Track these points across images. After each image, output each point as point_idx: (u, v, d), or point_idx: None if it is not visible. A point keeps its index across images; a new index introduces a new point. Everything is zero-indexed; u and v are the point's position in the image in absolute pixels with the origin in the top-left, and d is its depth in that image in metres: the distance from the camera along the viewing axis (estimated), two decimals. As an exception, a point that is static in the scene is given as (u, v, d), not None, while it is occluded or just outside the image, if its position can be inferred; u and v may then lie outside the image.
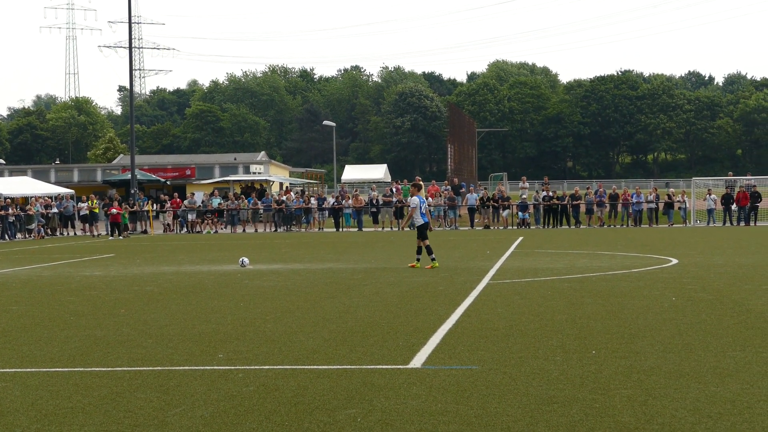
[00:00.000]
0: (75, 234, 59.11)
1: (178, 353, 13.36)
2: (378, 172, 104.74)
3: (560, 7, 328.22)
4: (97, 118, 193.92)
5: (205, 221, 59.40)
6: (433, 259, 27.08)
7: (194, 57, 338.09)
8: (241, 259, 29.37)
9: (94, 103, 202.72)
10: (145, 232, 58.50)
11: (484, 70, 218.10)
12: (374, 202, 58.62)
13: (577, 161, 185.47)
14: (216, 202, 60.48)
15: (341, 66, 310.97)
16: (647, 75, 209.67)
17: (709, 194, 56.82)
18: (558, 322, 15.67)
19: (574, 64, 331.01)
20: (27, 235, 56.09)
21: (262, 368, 12.13)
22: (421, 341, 13.87)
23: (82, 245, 46.02)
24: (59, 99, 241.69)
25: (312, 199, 61.58)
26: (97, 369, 12.35)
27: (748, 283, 21.39)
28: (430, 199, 56.16)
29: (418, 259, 27.36)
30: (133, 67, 70.23)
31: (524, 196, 58.35)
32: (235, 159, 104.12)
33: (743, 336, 13.95)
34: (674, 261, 28.18)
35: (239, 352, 13.38)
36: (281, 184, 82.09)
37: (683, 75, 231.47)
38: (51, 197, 61.96)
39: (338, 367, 12.13)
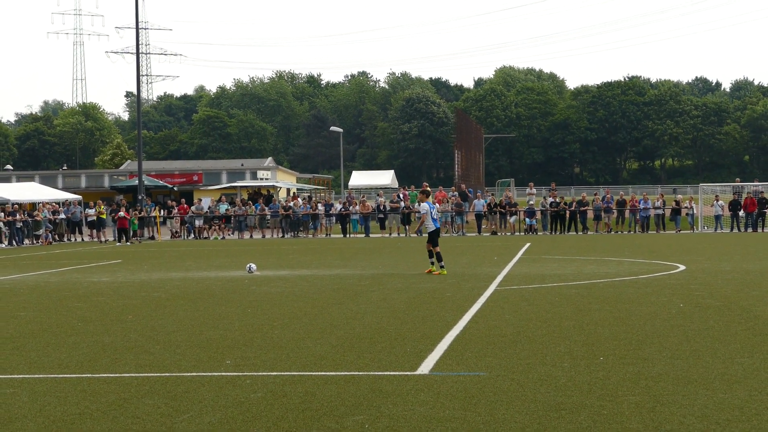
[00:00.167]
0: (82, 240, 59.14)
1: (185, 359, 13.37)
2: (385, 178, 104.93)
3: (567, 13, 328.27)
4: (105, 124, 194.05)
5: (213, 227, 59.41)
6: (442, 267, 27.06)
7: (201, 63, 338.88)
8: (248, 265, 29.38)
9: (101, 109, 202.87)
10: (152, 238, 58.54)
11: (491, 76, 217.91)
12: (381, 208, 58.61)
13: (585, 167, 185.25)
14: (223, 208, 60.48)
15: (348, 72, 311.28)
16: (654, 81, 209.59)
17: (717, 200, 56.76)
18: (565, 328, 15.66)
19: (581, 69, 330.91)
20: (34, 241, 56.13)
21: (269, 374, 12.14)
22: (429, 347, 13.86)
23: (89, 251, 46.06)
24: (66, 105, 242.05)
25: (319, 205, 61.56)
26: (105, 375, 12.36)
27: (755, 290, 21.37)
28: (437, 205, 56.08)
29: (432, 263, 27.29)
30: (141, 73, 70.30)
31: (531, 202, 58.33)
32: (242, 165, 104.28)
33: (751, 342, 13.94)
34: (682, 267, 28.15)
35: (247, 358, 13.39)
36: (288, 190, 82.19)
37: (690, 81, 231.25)
38: (58, 203, 62.03)
39: (346, 373, 12.13)
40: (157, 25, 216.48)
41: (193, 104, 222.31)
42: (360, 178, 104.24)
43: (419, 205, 28.59)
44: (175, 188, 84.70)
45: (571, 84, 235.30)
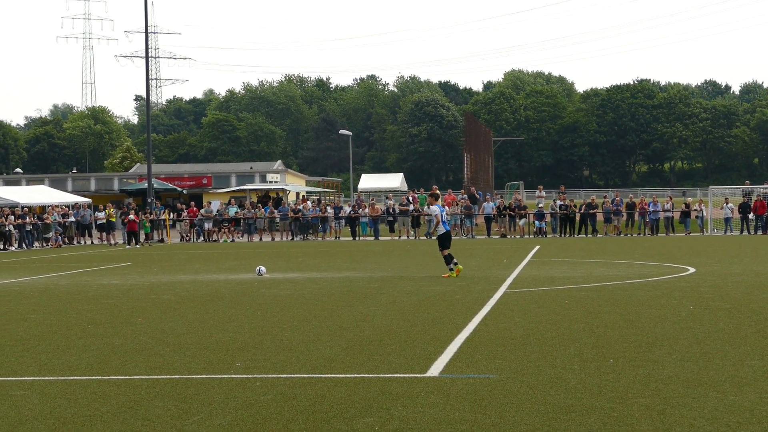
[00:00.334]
0: (92, 243, 59.20)
1: (195, 362, 13.38)
2: (394, 181, 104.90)
3: (576, 17, 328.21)
4: (114, 128, 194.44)
5: (222, 230, 59.43)
6: (450, 270, 27.01)
7: (210, 66, 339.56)
8: (257, 268, 29.39)
9: (110, 113, 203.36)
10: (162, 240, 58.58)
11: (500, 80, 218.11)
12: (391, 211, 58.58)
13: (594, 170, 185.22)
14: (233, 210, 60.49)
15: (357, 75, 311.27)
16: (663, 84, 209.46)
17: (726, 203, 56.63)
18: (575, 330, 15.65)
19: (591, 73, 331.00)
20: (44, 244, 56.20)
21: (279, 377, 12.14)
22: (439, 350, 13.86)
23: (99, 254, 46.12)
24: (76, 108, 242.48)
25: (328, 207, 61.58)
26: (115, 377, 12.37)
27: (765, 292, 21.32)
28: (446, 207, 56.13)
29: (451, 269, 27.05)
30: (150, 77, 70.39)
31: (541, 205, 58.27)
32: (251, 168, 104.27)
33: (761, 345, 13.92)
34: (691, 270, 28.11)
35: (257, 360, 13.39)
36: (298, 193, 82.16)
37: (699, 84, 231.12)
38: (68, 206, 62.09)
39: (356, 375, 12.13)
40: (167, 29, 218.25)
41: (202, 108, 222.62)
42: (369, 181, 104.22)
43: (428, 207, 28.48)
44: (185, 191, 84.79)
45: (580, 87, 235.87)
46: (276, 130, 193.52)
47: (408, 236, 57.10)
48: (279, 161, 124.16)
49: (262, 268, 29.30)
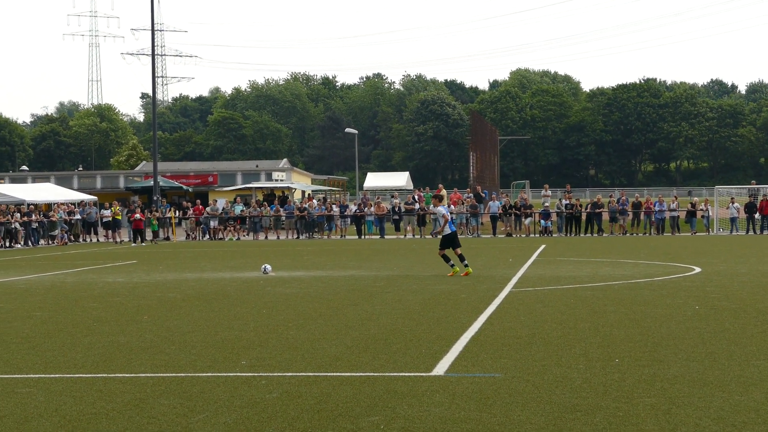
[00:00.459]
0: (98, 240, 59.24)
1: (201, 360, 13.39)
2: (400, 179, 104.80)
3: (582, 16, 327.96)
4: (120, 125, 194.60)
5: (228, 228, 59.46)
6: (452, 266, 27.01)
7: (216, 64, 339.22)
8: (263, 266, 29.41)
9: (116, 110, 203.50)
10: (167, 238, 58.62)
11: (506, 78, 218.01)
12: (396, 209, 58.58)
13: (600, 169, 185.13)
14: (238, 209, 60.52)
15: (363, 73, 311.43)
16: (670, 83, 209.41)
17: (732, 202, 56.60)
18: (581, 330, 15.64)
19: (597, 72, 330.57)
20: (50, 242, 56.26)
21: (284, 375, 12.14)
22: (444, 349, 13.86)
23: (104, 252, 46.16)
24: (82, 106, 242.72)
25: (334, 206, 61.61)
26: (121, 375, 12.39)
27: (771, 292, 21.30)
28: (452, 207, 56.17)
29: (466, 265, 27.12)
30: (156, 74, 70.43)
31: (546, 204, 58.26)
32: (257, 166, 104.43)
33: (767, 345, 13.90)
34: (697, 269, 28.09)
35: (262, 358, 13.40)
36: (303, 192, 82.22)
37: (706, 83, 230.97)
38: (74, 204, 62.14)
39: (361, 374, 12.14)
40: (173, 26, 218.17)
41: (208, 106, 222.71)
42: (375, 180, 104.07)
43: (437, 208, 28.46)
44: (190, 189, 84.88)
45: (586, 86, 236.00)
46: (282, 128, 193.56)
47: (414, 235, 57.11)
48: (285, 159, 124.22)
49: (268, 267, 29.31)
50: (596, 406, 10.09)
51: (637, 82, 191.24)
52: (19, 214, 54.46)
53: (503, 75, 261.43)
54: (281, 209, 60.65)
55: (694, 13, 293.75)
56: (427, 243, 47.82)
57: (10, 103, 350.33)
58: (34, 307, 20.84)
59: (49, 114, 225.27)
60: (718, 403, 10.16)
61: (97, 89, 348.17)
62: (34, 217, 55.32)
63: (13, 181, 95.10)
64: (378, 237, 57.26)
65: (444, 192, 58.99)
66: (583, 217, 56.53)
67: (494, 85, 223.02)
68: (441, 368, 12.37)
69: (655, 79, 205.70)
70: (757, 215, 55.09)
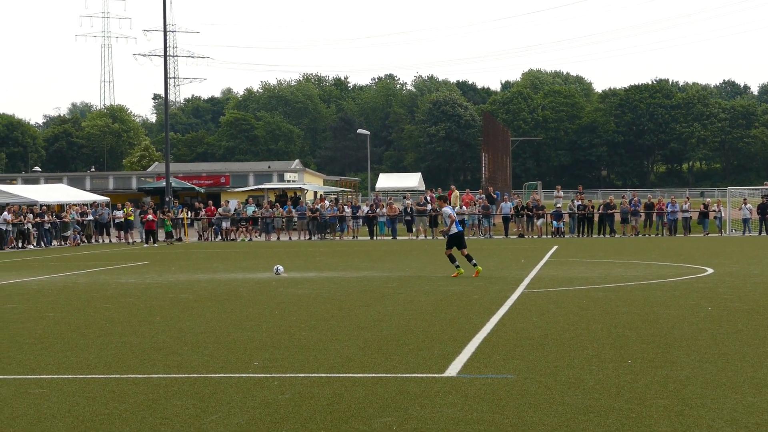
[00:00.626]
0: (110, 241, 59.34)
1: (213, 361, 13.40)
2: (412, 180, 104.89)
3: (594, 17, 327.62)
4: (132, 126, 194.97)
5: (240, 229, 59.50)
6: (457, 266, 27.01)
7: (228, 65, 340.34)
8: (275, 267, 29.42)
9: (128, 111, 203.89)
10: (180, 239, 58.67)
11: (518, 79, 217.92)
12: (408, 210, 58.54)
13: (612, 170, 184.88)
14: (250, 210, 60.53)
15: (375, 74, 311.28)
16: (682, 84, 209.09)
17: (745, 203, 56.44)
18: (593, 331, 15.62)
19: (609, 73, 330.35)
20: (63, 242, 56.35)
21: (297, 376, 12.15)
22: (456, 350, 13.85)
23: (117, 252, 46.23)
24: (94, 107, 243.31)
25: (346, 207, 61.61)
26: (133, 376, 12.40)
27: (784, 293, 21.26)
28: (464, 207, 56.14)
29: (474, 264, 27.10)
30: (168, 76, 70.58)
31: (559, 205, 58.19)
32: (269, 167, 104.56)
33: (780, 346, 13.88)
34: (710, 270, 28.03)
35: (274, 359, 13.41)
36: (315, 193, 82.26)
37: (718, 84, 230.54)
38: (86, 204, 62.24)
39: (373, 375, 12.14)
40: (185, 27, 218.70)
41: (220, 107, 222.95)
42: (387, 181, 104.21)
43: (443, 209, 28.48)
44: (203, 190, 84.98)
45: (599, 87, 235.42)
46: (294, 129, 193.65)
47: (426, 236, 57.07)
48: (297, 160, 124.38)
49: (280, 268, 29.32)
50: (609, 407, 10.08)
51: (650, 82, 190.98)
52: (31, 215, 54.56)
53: (515, 76, 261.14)
54: (293, 210, 60.66)
55: (706, 14, 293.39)
56: (439, 244, 47.74)
57: (22, 104, 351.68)
58: (47, 308, 20.87)
59: (62, 115, 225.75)
60: (731, 404, 10.14)
61: (109, 90, 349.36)
62: (46, 218, 55.42)
63: (26, 182, 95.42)
64: (390, 238, 57.24)
65: (457, 192, 58.97)
66: (596, 218, 56.44)
67: (506, 85, 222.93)
68: (453, 369, 12.37)
69: (668, 79, 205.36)
70: (769, 216, 54.91)
